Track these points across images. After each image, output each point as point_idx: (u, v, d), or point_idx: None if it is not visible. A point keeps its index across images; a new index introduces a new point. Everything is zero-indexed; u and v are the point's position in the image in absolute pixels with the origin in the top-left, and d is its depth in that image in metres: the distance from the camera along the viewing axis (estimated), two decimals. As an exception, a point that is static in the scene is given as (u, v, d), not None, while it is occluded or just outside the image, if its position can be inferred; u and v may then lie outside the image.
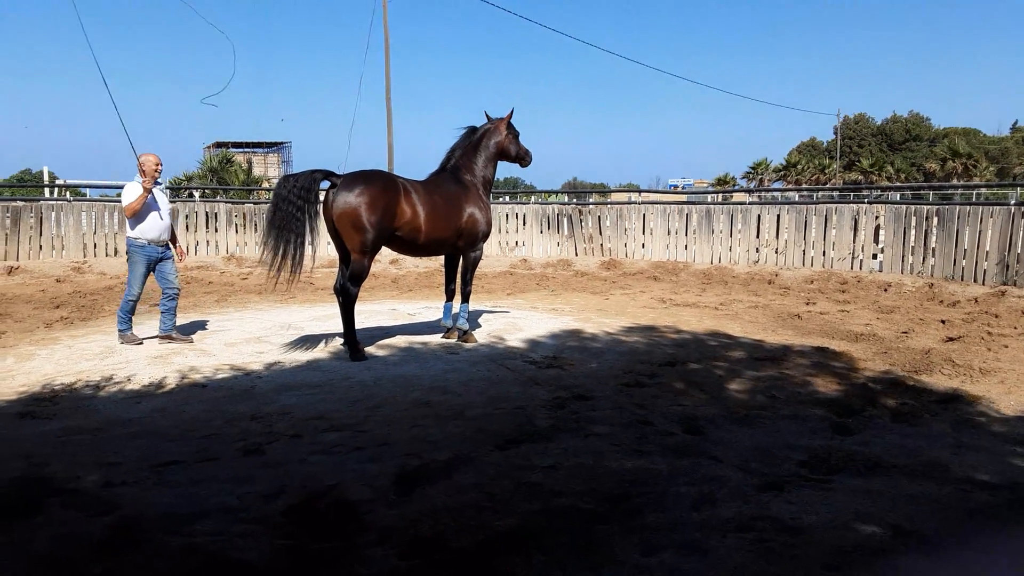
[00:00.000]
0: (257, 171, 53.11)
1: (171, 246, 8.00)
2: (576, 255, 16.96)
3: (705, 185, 60.69)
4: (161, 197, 7.87)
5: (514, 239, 17.59)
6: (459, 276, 8.01)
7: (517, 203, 18.79)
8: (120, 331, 7.69)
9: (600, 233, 16.99)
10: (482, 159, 7.98)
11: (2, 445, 4.49)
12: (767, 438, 4.60)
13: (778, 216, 15.01)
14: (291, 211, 6.71)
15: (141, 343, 7.67)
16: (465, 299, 7.96)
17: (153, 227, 7.69)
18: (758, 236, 15.22)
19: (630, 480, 3.85)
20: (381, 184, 6.97)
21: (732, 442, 4.51)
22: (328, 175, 6.97)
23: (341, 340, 7.36)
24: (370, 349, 7.35)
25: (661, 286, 13.15)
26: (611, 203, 18.01)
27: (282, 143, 65.97)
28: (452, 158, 7.95)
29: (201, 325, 8.87)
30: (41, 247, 14.55)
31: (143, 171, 7.61)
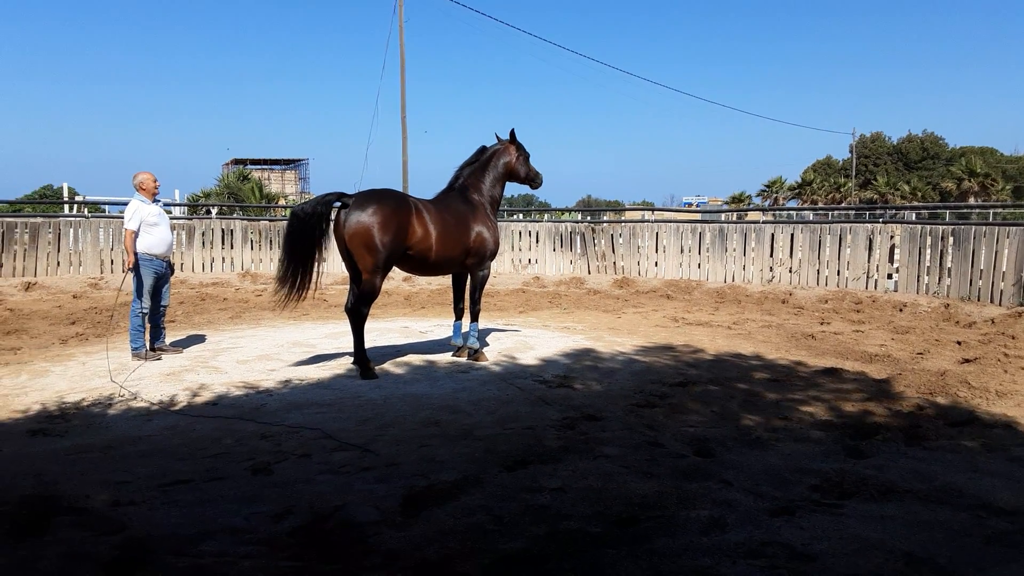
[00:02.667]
0: (275, 188, 53.58)
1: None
2: (589, 273, 16.94)
3: (719, 203, 60.60)
4: (161, 212, 8.01)
5: (527, 257, 17.60)
6: (467, 295, 8.01)
7: (531, 221, 18.84)
8: (135, 349, 7.76)
9: (613, 251, 16.97)
10: (490, 178, 8.01)
11: (13, 463, 4.51)
12: (779, 461, 4.54)
13: (792, 235, 14.94)
14: (302, 239, 6.81)
15: (160, 358, 7.75)
16: (474, 318, 7.96)
17: (160, 242, 7.89)
18: (772, 255, 15.15)
19: (639, 503, 3.81)
20: (393, 204, 6.99)
21: (743, 465, 4.46)
22: (340, 196, 7.00)
23: (352, 359, 7.36)
24: (381, 367, 7.35)
25: (674, 305, 13.09)
26: (625, 221, 18.01)
27: (300, 160, 66.63)
28: (460, 177, 7.98)
29: (214, 342, 8.91)
30: (59, 263, 14.71)
31: (143, 189, 7.88)
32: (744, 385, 6.69)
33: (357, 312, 7.05)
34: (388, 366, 7.49)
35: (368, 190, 7.17)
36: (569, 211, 28.50)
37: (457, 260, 7.60)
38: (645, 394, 6.27)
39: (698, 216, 23.66)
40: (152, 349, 7.95)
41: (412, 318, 11.50)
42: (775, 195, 59.44)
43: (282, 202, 41.35)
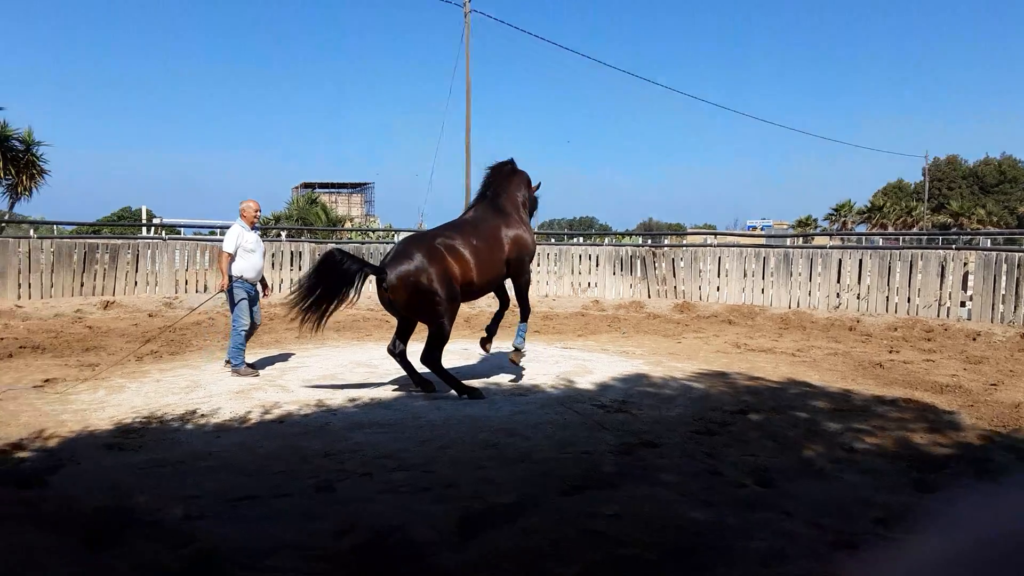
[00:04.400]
0: (341, 211, 54.92)
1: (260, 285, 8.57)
2: (649, 297, 16.84)
3: (785, 227, 59.36)
4: (258, 240, 8.38)
5: (586, 280, 17.61)
6: (516, 300, 8.15)
7: (591, 244, 18.85)
8: (235, 366, 8.15)
9: (674, 275, 16.84)
10: (518, 185, 8.26)
11: (90, 475, 4.74)
12: (842, 493, 4.44)
13: (860, 260, 14.58)
14: (331, 280, 6.89)
15: (257, 375, 8.14)
16: (524, 317, 8.15)
17: (251, 268, 8.34)
18: (839, 281, 14.81)
19: (697, 532, 3.78)
20: (426, 259, 7.05)
21: (805, 496, 4.38)
22: (374, 270, 7.08)
23: (414, 380, 7.52)
24: (440, 389, 7.46)
25: (736, 330, 12.90)
26: (686, 245, 17.86)
27: (365, 184, 68.12)
28: (490, 186, 8.16)
29: (282, 360, 9.19)
30: (136, 283, 15.37)
31: (244, 216, 8.34)
32: (807, 414, 6.55)
33: (431, 358, 7.18)
34: (446, 388, 7.59)
35: (398, 254, 7.18)
36: (630, 234, 28.42)
37: (500, 276, 7.80)
38: (704, 421, 6.21)
39: (762, 240, 23.30)
40: (250, 365, 8.31)
41: (472, 340, 11.60)
42: (843, 219, 57.96)
43: (348, 224, 42.34)
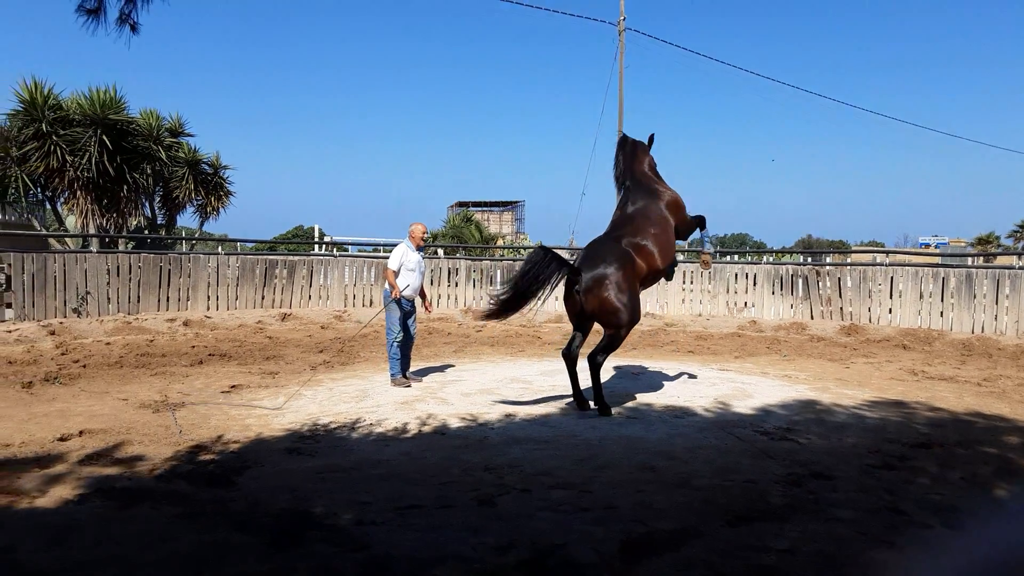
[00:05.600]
0: (493, 228, 56.32)
1: (420, 300, 9.04)
2: (812, 318, 15.98)
3: (963, 245, 54.60)
4: (420, 261, 8.92)
5: (742, 300, 16.99)
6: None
7: (747, 263, 18.18)
8: (392, 375, 8.70)
9: (840, 295, 15.89)
10: (643, 156, 8.45)
11: (272, 478, 5.10)
12: (1046, 543, 4.00)
13: (1058, 281, 13.13)
14: (534, 286, 7.02)
15: (410, 385, 8.59)
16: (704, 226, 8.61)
17: (410, 287, 8.83)
18: (1032, 304, 13.40)
19: (878, 574, 3.54)
20: (619, 262, 7.21)
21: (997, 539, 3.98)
22: (571, 270, 7.20)
23: (568, 398, 7.56)
24: (595, 408, 7.45)
25: (911, 356, 11.98)
26: (851, 264, 16.81)
27: (516, 202, 69.43)
28: (624, 172, 8.27)
29: (440, 373, 9.53)
30: (310, 297, 16.47)
31: (412, 237, 8.96)
32: (997, 450, 5.97)
33: (597, 362, 7.32)
34: (602, 407, 7.56)
35: (590, 257, 7.33)
36: (789, 252, 27.16)
37: (675, 248, 8.19)
38: (881, 454, 5.80)
39: (938, 259, 21.55)
40: (404, 376, 8.80)
41: (624, 359, 11.52)
42: (1032, 236, 52.44)
43: (500, 242, 43.30)
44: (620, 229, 7.65)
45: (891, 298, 15.29)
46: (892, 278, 15.34)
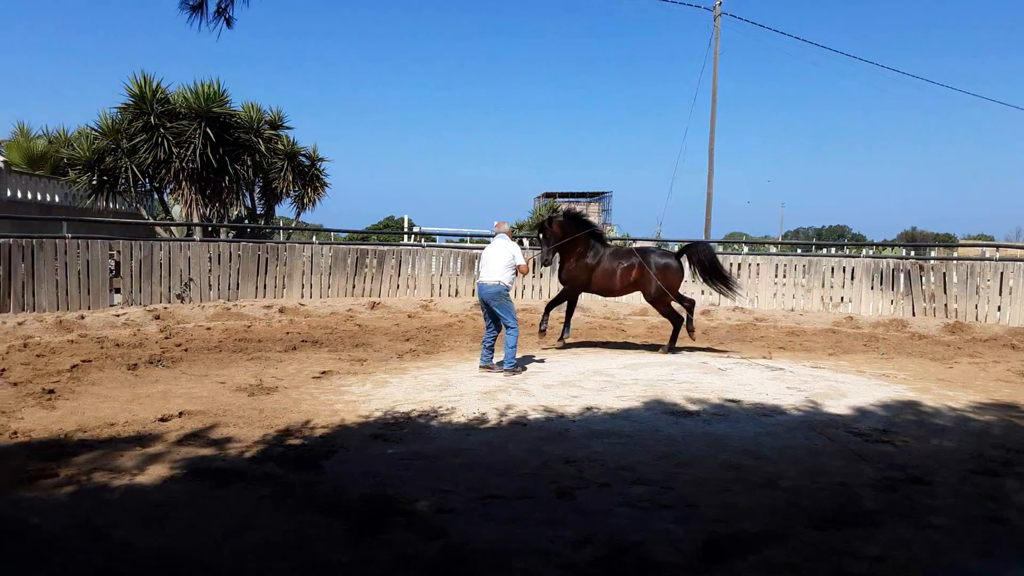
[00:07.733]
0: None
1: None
2: (913, 315, 15.21)
3: (1086, 237, 50.72)
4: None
5: (839, 295, 16.33)
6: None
7: (844, 256, 17.45)
8: (510, 366, 8.92)
9: (944, 292, 15.06)
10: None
11: (356, 463, 5.22)
12: None
13: None
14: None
15: (522, 371, 9.05)
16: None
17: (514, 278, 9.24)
18: None
19: (976, 588, 3.35)
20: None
21: (1120, 562, 3.70)
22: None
23: (653, 393, 7.46)
24: (678, 403, 7.32)
25: (1020, 357, 11.25)
26: (957, 258, 15.89)
27: (603, 193, 68.75)
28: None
29: (523, 366, 9.56)
30: (398, 286, 16.81)
31: (508, 235, 9.39)
32: (1122, 462, 5.54)
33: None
34: (684, 403, 7.42)
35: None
36: (890, 245, 25.93)
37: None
38: (984, 459, 5.48)
39: (1058, 253, 20.13)
40: (487, 367, 9.00)
41: (710, 354, 11.27)
42: None
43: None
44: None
45: (1000, 295, 14.39)
46: (1002, 274, 14.44)
